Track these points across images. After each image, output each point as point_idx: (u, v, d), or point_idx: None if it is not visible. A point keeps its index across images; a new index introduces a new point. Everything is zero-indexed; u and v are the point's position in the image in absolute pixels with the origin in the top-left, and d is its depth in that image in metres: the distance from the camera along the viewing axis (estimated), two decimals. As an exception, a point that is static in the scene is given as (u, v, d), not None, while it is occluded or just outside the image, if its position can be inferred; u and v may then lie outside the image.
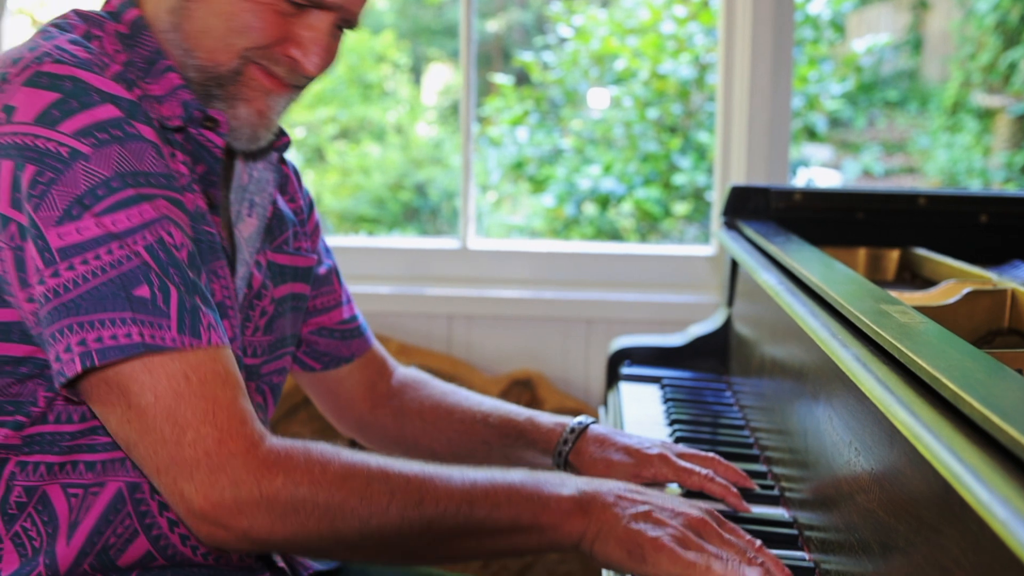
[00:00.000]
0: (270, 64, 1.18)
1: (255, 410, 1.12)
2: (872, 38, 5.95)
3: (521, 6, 9.43)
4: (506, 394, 2.64)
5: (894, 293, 1.34)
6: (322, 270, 1.47)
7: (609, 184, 4.80)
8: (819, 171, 6.28)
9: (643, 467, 1.34)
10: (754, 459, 1.50)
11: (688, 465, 1.33)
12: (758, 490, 1.35)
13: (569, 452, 1.40)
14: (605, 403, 1.96)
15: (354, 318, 1.53)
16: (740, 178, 2.58)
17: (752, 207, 1.94)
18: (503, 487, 1.10)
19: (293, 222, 1.39)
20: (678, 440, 1.55)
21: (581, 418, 1.44)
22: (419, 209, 6.36)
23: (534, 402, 2.63)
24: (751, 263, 1.60)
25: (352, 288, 2.73)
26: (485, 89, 6.10)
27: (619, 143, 5.01)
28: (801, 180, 4.95)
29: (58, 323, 1.03)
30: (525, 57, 5.33)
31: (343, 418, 1.57)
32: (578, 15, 5.26)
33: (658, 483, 1.34)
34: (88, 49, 1.12)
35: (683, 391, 1.81)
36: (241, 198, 1.30)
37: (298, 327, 1.42)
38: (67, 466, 1.14)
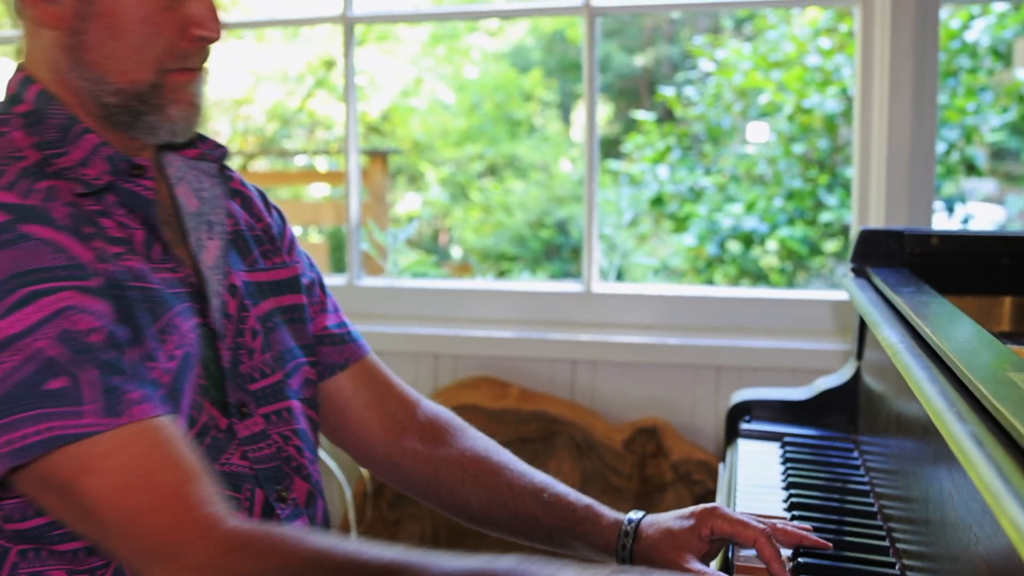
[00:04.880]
0: (184, 62, 1.20)
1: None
2: (1038, 66, 5.62)
3: (669, 41, 9.34)
4: (630, 442, 2.54)
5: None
6: (305, 281, 1.44)
7: (752, 222, 4.65)
8: (979, 207, 5.95)
9: (702, 525, 1.29)
10: (877, 530, 1.37)
11: (741, 517, 1.27)
12: (830, 549, 1.26)
13: (633, 543, 1.34)
14: (724, 459, 1.84)
15: (342, 324, 1.48)
16: (879, 220, 2.43)
17: (884, 252, 1.81)
18: None
19: (261, 239, 1.39)
20: (792, 507, 1.44)
21: (634, 512, 1.38)
22: (560, 247, 6.31)
23: (659, 451, 2.53)
24: (874, 316, 1.48)
25: (474, 332, 2.74)
26: (629, 125, 6.03)
27: (763, 180, 4.86)
28: (958, 217, 4.68)
29: None
30: (667, 92, 5.24)
31: (361, 447, 1.49)
32: (721, 49, 5.15)
33: (718, 537, 1.28)
34: None
35: (805, 450, 1.68)
36: (197, 224, 1.29)
37: (304, 337, 1.40)
38: (68, 554, 1.13)
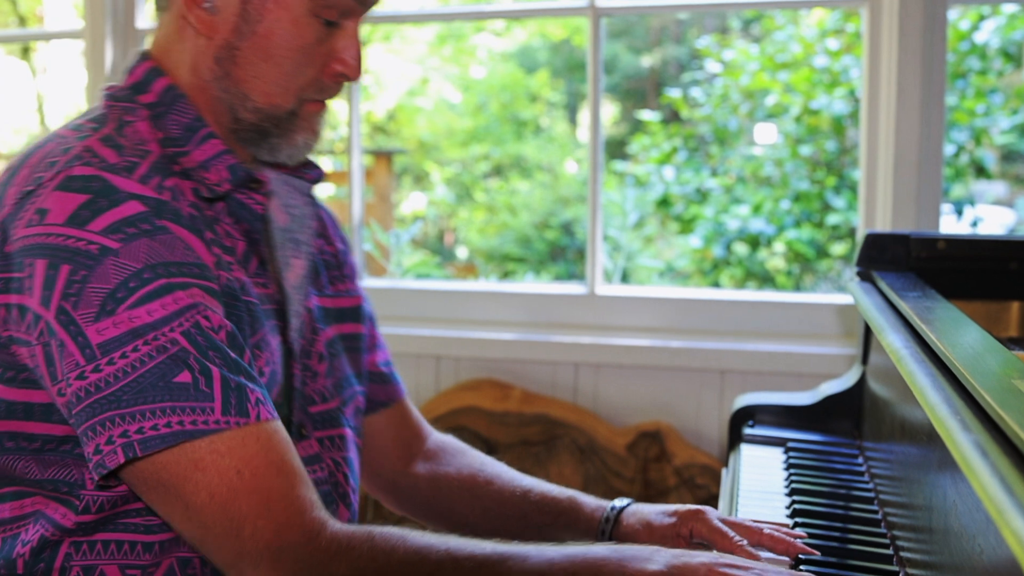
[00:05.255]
0: (323, 95, 1.22)
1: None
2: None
3: (676, 41, 9.31)
4: (633, 446, 2.52)
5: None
6: (367, 311, 1.47)
7: (758, 224, 4.63)
8: (988, 209, 5.91)
9: (682, 525, 1.31)
10: (881, 538, 1.35)
11: (723, 527, 1.28)
12: (817, 555, 1.25)
13: (611, 530, 1.37)
14: (727, 464, 1.82)
15: (388, 363, 1.51)
16: (886, 223, 2.41)
17: (890, 256, 1.78)
18: (584, 565, 1.06)
19: (330, 264, 1.40)
20: (795, 514, 1.42)
21: (620, 499, 1.41)
22: (565, 248, 6.29)
23: (662, 455, 2.51)
24: (879, 321, 1.45)
25: (476, 334, 2.72)
26: (635, 126, 6.01)
27: (770, 181, 4.83)
28: (967, 220, 4.65)
29: (99, 416, 1.03)
30: (673, 93, 5.21)
31: (373, 475, 1.53)
32: (728, 50, 5.12)
33: (698, 540, 1.30)
34: (118, 150, 1.13)
35: (809, 456, 1.66)
36: (284, 241, 1.29)
37: (360, 366, 1.41)
38: (124, 545, 1.13)
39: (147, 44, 1.29)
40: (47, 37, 6.25)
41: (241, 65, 1.18)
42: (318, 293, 1.35)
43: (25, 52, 8.17)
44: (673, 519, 1.32)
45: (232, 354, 1.08)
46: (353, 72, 1.21)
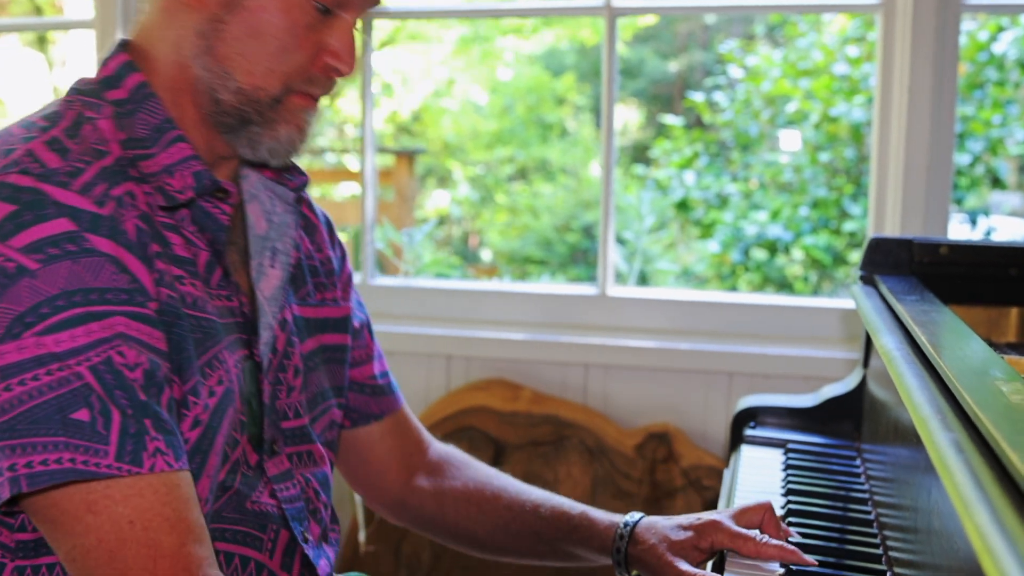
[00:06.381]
0: (311, 87, 1.17)
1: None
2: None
3: (703, 47, 9.31)
4: (641, 447, 2.54)
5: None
6: (355, 323, 1.42)
7: (776, 230, 4.63)
8: (1003, 220, 5.88)
9: (700, 538, 1.30)
10: (872, 539, 1.36)
11: (742, 531, 1.28)
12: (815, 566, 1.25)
13: (627, 547, 1.35)
14: (728, 465, 1.84)
15: (385, 374, 1.47)
16: (895, 229, 2.41)
17: (893, 261, 1.79)
18: None
19: (317, 271, 1.35)
20: (789, 514, 1.43)
21: (632, 514, 1.39)
22: (586, 252, 6.30)
23: (670, 457, 2.52)
24: (876, 323, 1.46)
25: (487, 333, 2.74)
26: (660, 131, 6.01)
27: (790, 188, 4.83)
28: (981, 229, 4.63)
29: None
30: (696, 98, 5.22)
31: (376, 491, 1.50)
32: (752, 55, 5.12)
33: (718, 550, 1.30)
34: (64, 154, 1.07)
35: (808, 458, 1.67)
36: (261, 249, 1.24)
37: (339, 379, 1.36)
38: (57, 567, 1.10)
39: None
40: (58, 27, 6.26)
41: (226, 40, 1.12)
42: (300, 302, 1.30)
43: (41, 43, 7.99)
44: (690, 533, 1.31)
45: (142, 396, 1.02)
46: (345, 67, 1.16)
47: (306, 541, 1.23)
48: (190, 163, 1.13)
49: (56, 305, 0.99)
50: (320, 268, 1.36)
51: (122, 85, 1.14)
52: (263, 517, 1.19)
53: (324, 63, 1.16)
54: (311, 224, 1.38)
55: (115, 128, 1.12)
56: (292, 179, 1.28)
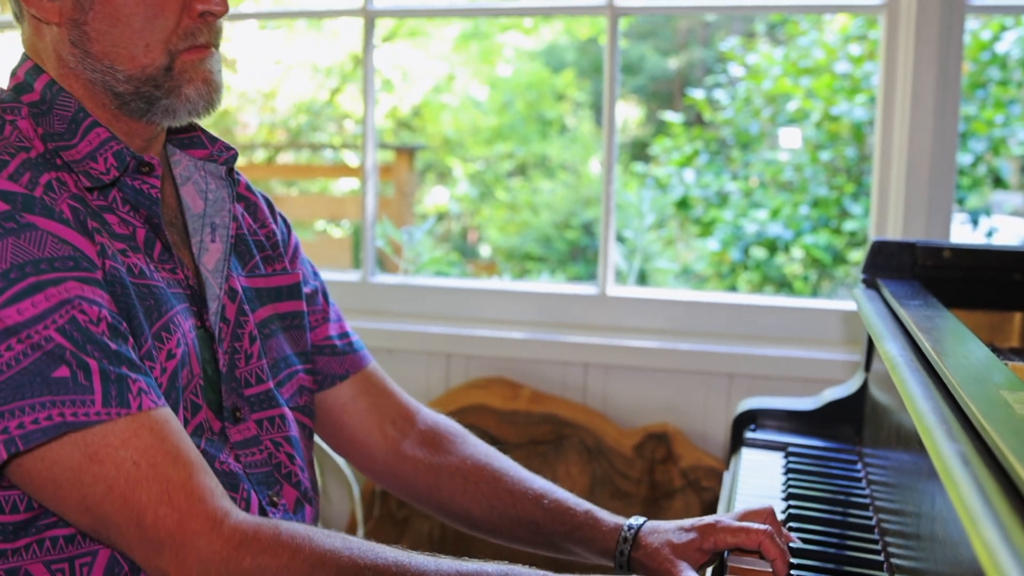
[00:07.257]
0: (195, 40, 1.19)
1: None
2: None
3: (704, 44, 9.29)
4: (640, 447, 2.53)
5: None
6: (307, 290, 1.45)
7: (776, 229, 4.62)
8: (1005, 220, 5.87)
9: (704, 539, 1.29)
10: (873, 544, 1.35)
11: (745, 524, 1.28)
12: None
13: (631, 550, 1.34)
14: (728, 467, 1.83)
15: (345, 334, 1.50)
16: (897, 230, 2.41)
17: (896, 264, 1.79)
18: None
19: (263, 245, 1.39)
20: (790, 519, 1.42)
21: (636, 518, 1.39)
22: (585, 249, 6.29)
23: (669, 457, 2.51)
24: (878, 328, 1.46)
25: (487, 332, 2.73)
26: (660, 128, 6.00)
27: (790, 186, 4.82)
28: (983, 229, 4.63)
29: None
30: (696, 95, 5.21)
31: (361, 456, 1.51)
32: (753, 53, 5.11)
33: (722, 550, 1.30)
34: None
35: (808, 461, 1.67)
36: (200, 227, 1.29)
37: (303, 344, 1.40)
38: (46, 543, 1.12)
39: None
40: None
41: (95, 40, 1.16)
42: (248, 274, 1.34)
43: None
44: (693, 534, 1.31)
45: (112, 345, 1.06)
46: (216, 5, 1.18)
47: (272, 505, 1.26)
48: (110, 144, 1.18)
49: (10, 278, 1.03)
50: (266, 242, 1.41)
51: (33, 88, 1.20)
52: (233, 476, 1.22)
53: (196, 11, 1.18)
54: (251, 203, 1.42)
55: (34, 126, 1.17)
56: (221, 155, 1.32)
